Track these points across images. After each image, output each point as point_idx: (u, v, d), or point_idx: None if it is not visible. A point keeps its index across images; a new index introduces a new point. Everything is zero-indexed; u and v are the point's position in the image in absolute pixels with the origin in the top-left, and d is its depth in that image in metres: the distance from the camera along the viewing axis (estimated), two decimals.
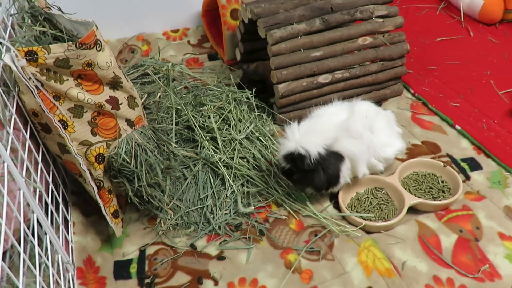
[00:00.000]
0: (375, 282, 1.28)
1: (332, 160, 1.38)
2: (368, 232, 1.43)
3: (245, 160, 1.62)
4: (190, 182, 1.56)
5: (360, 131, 1.43)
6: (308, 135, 1.37)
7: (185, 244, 1.41)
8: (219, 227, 1.45)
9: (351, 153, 1.41)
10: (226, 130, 1.66)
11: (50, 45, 1.09)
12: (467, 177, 1.62)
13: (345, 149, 1.40)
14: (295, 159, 1.36)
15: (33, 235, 1.02)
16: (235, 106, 1.74)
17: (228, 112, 1.70)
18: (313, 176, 1.38)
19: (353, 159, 1.43)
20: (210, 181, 1.56)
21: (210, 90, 1.84)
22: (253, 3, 1.84)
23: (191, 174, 1.56)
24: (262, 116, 1.81)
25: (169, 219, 1.46)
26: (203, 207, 1.49)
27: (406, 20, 2.50)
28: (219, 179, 1.57)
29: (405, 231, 1.43)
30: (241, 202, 1.49)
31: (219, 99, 1.76)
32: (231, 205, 1.50)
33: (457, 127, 1.83)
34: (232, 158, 1.60)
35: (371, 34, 1.86)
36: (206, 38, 2.41)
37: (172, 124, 1.59)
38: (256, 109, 1.83)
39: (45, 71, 1.11)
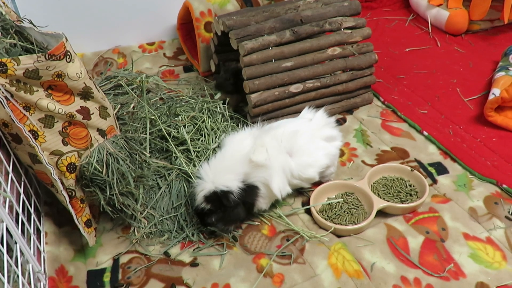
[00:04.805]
0: (344, 283, 1.31)
1: (249, 192, 1.41)
2: (339, 236, 1.47)
3: None
4: (164, 191, 1.57)
5: (263, 160, 1.41)
6: (223, 172, 1.39)
7: (159, 252, 1.42)
8: (193, 234, 1.47)
9: (264, 180, 1.43)
10: (200, 140, 1.69)
11: (19, 57, 1.11)
12: (434, 181, 1.68)
13: (258, 178, 1.42)
14: (219, 198, 1.36)
15: (2, 244, 1.02)
16: (208, 116, 1.77)
17: (202, 122, 1.73)
18: (236, 211, 1.40)
19: (266, 185, 1.44)
20: (184, 189, 1.58)
21: (185, 102, 1.87)
22: (225, 15, 1.89)
23: (165, 183, 1.58)
24: (237, 125, 1.85)
25: (142, 228, 1.48)
26: (177, 215, 1.51)
27: (377, 32, 2.60)
28: (193, 187, 1.59)
29: (374, 234, 1.47)
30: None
31: (193, 110, 1.79)
32: None
33: (425, 133, 1.89)
34: None
35: (340, 45, 1.92)
36: (181, 50, 2.45)
37: (145, 134, 1.61)
38: (230, 119, 1.86)
39: (14, 82, 1.13)
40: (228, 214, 1.40)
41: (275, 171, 1.44)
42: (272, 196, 1.48)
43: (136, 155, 1.42)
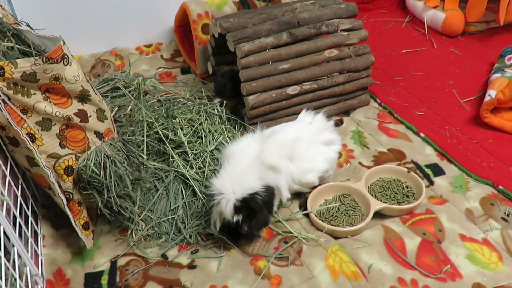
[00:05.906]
0: (341, 285, 1.32)
1: (269, 191, 1.40)
2: (336, 237, 1.47)
3: (216, 172, 1.64)
4: (162, 193, 1.58)
5: (274, 162, 1.42)
6: (241, 178, 1.36)
7: (157, 254, 1.43)
8: (190, 236, 1.47)
9: (277, 182, 1.44)
10: (197, 142, 1.69)
11: (17, 60, 1.11)
12: (431, 182, 1.68)
13: (272, 180, 1.42)
14: (247, 203, 1.33)
15: None
16: (206, 118, 1.78)
17: (199, 124, 1.73)
18: (263, 213, 1.38)
19: (278, 188, 1.46)
20: (182, 192, 1.58)
21: (182, 104, 1.87)
22: (222, 18, 1.89)
23: (163, 186, 1.58)
24: (234, 127, 1.85)
25: (140, 230, 1.48)
26: (174, 217, 1.51)
27: (373, 33, 2.61)
28: (190, 190, 1.60)
29: (372, 235, 1.47)
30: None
31: (191, 112, 1.79)
32: (202, 214, 1.53)
33: (421, 134, 1.90)
34: (204, 172, 1.62)
35: (337, 47, 1.93)
36: (178, 52, 2.46)
37: (143, 137, 1.61)
38: (227, 121, 1.86)
39: (12, 85, 1.13)
40: (257, 218, 1.37)
41: (282, 175, 1.45)
42: (278, 199, 1.50)
43: (134, 157, 1.42)
